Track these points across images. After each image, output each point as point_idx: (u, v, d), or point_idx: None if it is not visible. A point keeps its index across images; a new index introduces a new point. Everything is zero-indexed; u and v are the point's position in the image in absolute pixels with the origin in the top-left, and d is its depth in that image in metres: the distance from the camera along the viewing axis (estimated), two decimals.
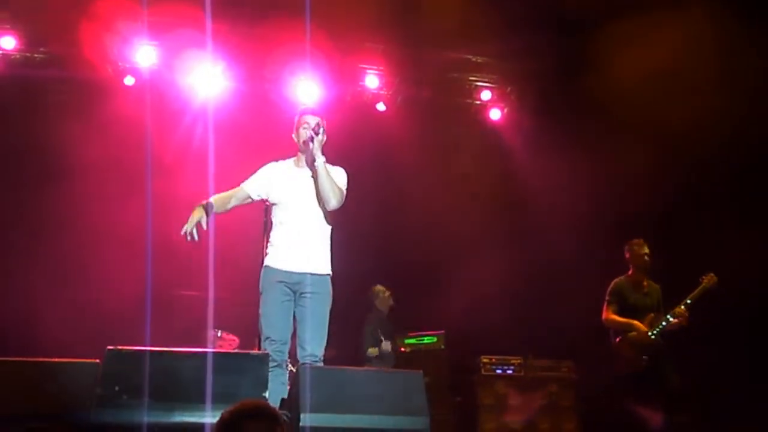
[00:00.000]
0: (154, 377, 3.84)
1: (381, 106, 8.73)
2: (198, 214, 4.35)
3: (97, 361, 3.91)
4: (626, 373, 5.74)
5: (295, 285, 4.39)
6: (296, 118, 4.62)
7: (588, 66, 7.53)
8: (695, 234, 6.85)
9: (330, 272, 4.50)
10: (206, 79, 8.10)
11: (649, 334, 5.67)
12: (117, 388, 3.77)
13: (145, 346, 4.15)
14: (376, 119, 8.72)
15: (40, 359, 3.96)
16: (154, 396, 3.78)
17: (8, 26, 7.58)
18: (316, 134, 4.34)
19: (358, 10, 7.26)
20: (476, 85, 8.82)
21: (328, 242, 4.54)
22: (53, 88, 7.86)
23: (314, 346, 4.35)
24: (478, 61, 8.62)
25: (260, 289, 4.51)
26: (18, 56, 7.72)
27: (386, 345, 7.41)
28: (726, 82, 6.70)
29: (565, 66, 7.97)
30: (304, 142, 4.45)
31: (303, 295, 4.37)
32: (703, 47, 6.69)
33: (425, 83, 8.70)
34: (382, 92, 8.69)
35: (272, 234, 4.54)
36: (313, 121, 4.49)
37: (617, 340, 5.82)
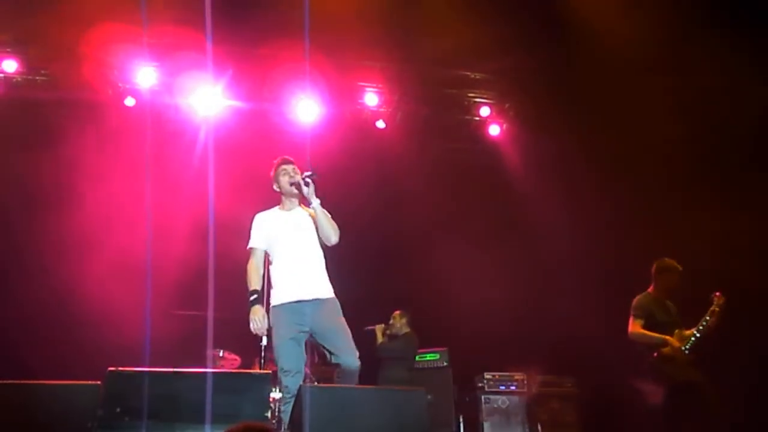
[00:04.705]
0: (155, 398, 3.83)
1: (381, 124, 8.77)
2: (261, 312, 4.64)
3: (98, 382, 3.91)
4: (667, 387, 5.78)
5: (306, 315, 4.62)
6: (272, 172, 5.00)
7: (586, 82, 7.56)
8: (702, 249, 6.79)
9: (334, 295, 4.78)
10: (206, 99, 8.14)
11: (683, 349, 5.80)
12: (118, 410, 3.77)
13: (145, 366, 4.15)
14: (376, 136, 8.75)
15: (41, 382, 3.95)
16: (156, 417, 3.78)
17: (9, 49, 7.63)
18: (306, 184, 4.69)
19: (356, 30, 7.32)
20: (475, 102, 8.85)
21: (325, 270, 4.84)
22: (54, 110, 7.88)
23: (350, 356, 4.55)
24: (477, 77, 8.66)
25: (271, 324, 4.69)
26: (19, 79, 7.78)
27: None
28: (725, 98, 6.71)
29: (564, 82, 8.00)
30: (291, 184, 4.83)
31: (320, 323, 4.61)
32: (702, 63, 6.73)
33: (424, 100, 8.73)
34: (381, 110, 8.73)
35: (273, 275, 4.84)
36: (290, 167, 4.92)
37: (654, 355, 5.87)
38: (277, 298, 4.75)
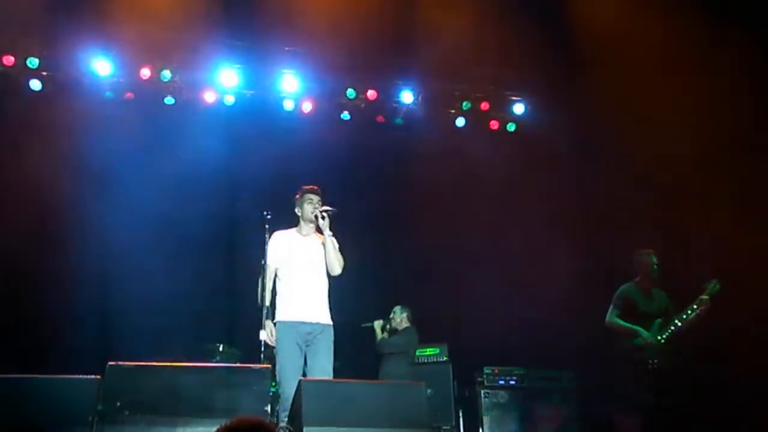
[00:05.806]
0: (155, 392, 3.84)
1: (381, 119, 8.77)
2: (271, 325, 5.03)
3: (98, 376, 3.91)
4: (636, 376, 5.88)
5: (306, 335, 4.98)
6: (297, 196, 5.29)
7: (593, 78, 7.56)
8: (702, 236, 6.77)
9: (332, 322, 5.13)
10: (206, 92, 8.13)
11: (658, 338, 5.87)
12: (118, 404, 3.78)
13: (146, 361, 4.15)
14: (380, 132, 8.74)
15: (41, 376, 3.96)
16: (156, 411, 3.79)
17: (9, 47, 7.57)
18: (323, 218, 5.09)
19: (358, 24, 7.31)
20: (477, 97, 8.80)
21: (328, 298, 5.19)
22: (54, 105, 7.83)
23: None
24: (482, 73, 8.63)
25: (275, 342, 5.00)
26: (17, 71, 7.71)
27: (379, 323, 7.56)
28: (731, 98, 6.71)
29: (571, 76, 7.98)
30: (314, 215, 5.15)
31: (313, 347, 4.97)
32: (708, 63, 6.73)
33: (426, 95, 8.71)
34: (384, 105, 8.71)
35: (281, 292, 5.16)
36: (315, 198, 5.22)
37: (628, 343, 5.96)
38: (282, 314, 5.07)
